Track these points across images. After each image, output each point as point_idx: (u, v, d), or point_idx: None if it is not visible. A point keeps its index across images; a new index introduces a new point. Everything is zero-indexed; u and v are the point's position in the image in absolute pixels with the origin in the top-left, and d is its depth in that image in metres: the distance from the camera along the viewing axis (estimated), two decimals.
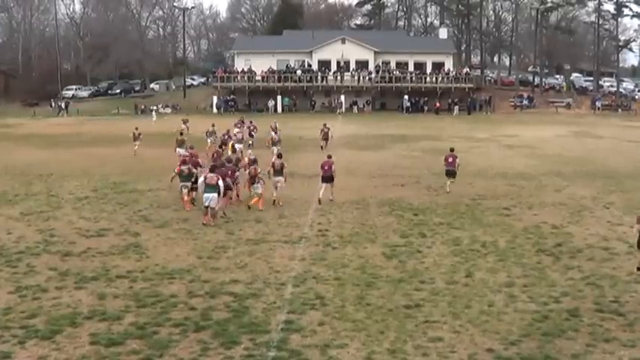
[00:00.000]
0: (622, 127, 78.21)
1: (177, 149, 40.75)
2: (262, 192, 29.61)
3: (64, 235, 24.63)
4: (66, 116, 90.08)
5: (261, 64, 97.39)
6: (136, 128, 49.20)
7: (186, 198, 29.55)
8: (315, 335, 15.51)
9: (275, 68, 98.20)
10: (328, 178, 31.30)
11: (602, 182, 37.71)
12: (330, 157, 32.76)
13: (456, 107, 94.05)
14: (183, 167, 29.85)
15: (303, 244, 23.56)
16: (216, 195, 26.13)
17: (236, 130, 48.60)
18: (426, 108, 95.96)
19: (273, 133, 46.97)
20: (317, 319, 16.46)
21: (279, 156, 32.66)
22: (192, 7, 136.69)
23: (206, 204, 26.30)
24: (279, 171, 30.66)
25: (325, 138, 50.04)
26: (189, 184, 29.49)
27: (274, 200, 29.86)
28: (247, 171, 30.55)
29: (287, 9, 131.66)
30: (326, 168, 31.47)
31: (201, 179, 27.01)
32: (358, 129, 65.85)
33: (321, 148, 47.17)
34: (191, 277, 19.66)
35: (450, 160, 34.40)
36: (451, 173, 34.12)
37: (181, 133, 46.23)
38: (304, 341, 15.19)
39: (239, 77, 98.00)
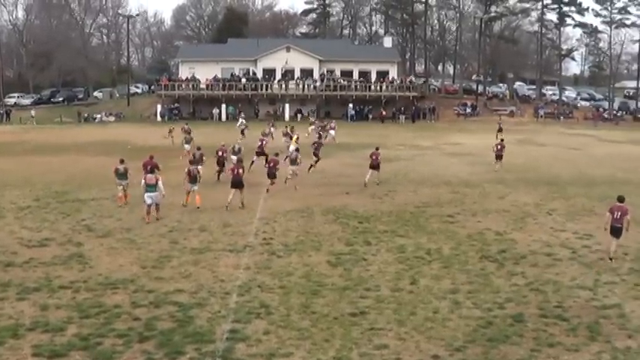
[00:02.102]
0: (564, 134, 79.24)
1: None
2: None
3: (5, 245, 24.31)
4: (8, 124, 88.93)
5: (206, 73, 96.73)
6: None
7: (120, 194, 31.71)
8: (261, 344, 15.50)
9: (220, 76, 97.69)
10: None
11: (545, 189, 38.16)
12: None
13: (402, 116, 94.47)
14: (119, 167, 31.81)
15: (247, 252, 23.50)
16: (157, 193, 28.23)
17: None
18: (370, 116, 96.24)
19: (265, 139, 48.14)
20: (262, 327, 16.44)
21: (297, 150, 40.08)
22: (137, 15, 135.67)
23: (149, 202, 28.11)
24: (294, 160, 37.46)
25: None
26: (124, 182, 31.68)
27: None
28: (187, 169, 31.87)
29: (232, 17, 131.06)
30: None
31: (142, 181, 28.77)
32: (303, 137, 65.83)
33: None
34: (135, 287, 19.50)
35: (374, 157, 38.65)
36: (375, 166, 38.55)
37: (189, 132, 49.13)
38: (249, 350, 15.17)
39: (183, 85, 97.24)
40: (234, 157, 39.19)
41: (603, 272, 21.86)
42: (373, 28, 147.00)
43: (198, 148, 38.84)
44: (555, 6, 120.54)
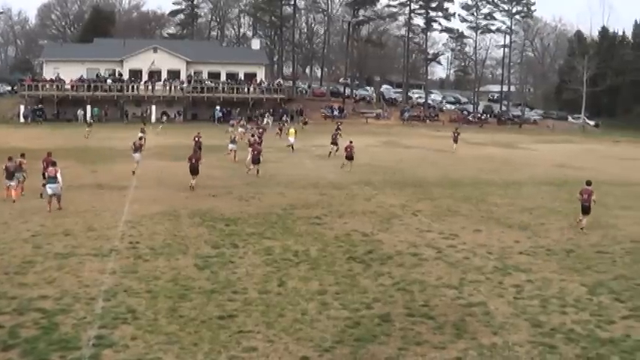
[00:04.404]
0: (430, 137, 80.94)
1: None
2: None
3: None
4: None
5: (71, 73, 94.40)
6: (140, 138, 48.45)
7: (7, 192, 32.54)
8: (128, 350, 15.29)
9: (85, 77, 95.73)
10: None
11: (410, 190, 38.91)
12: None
13: (270, 118, 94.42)
14: (9, 164, 33.11)
15: (113, 256, 23.09)
16: (57, 185, 30.38)
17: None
18: (234, 118, 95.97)
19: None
20: (129, 333, 16.21)
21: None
22: (1, 13, 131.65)
23: (50, 193, 30.29)
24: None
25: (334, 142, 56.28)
26: (12, 182, 32.76)
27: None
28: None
29: (98, 16, 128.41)
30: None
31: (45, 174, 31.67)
32: (169, 139, 65.18)
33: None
34: None
35: (349, 149, 46.66)
36: (350, 157, 46.33)
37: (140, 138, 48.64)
38: (117, 356, 14.95)
39: (47, 86, 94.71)
40: (135, 155, 42.53)
41: (468, 271, 22.44)
42: (242, 30, 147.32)
43: (49, 153, 35.60)
44: (422, 11, 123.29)
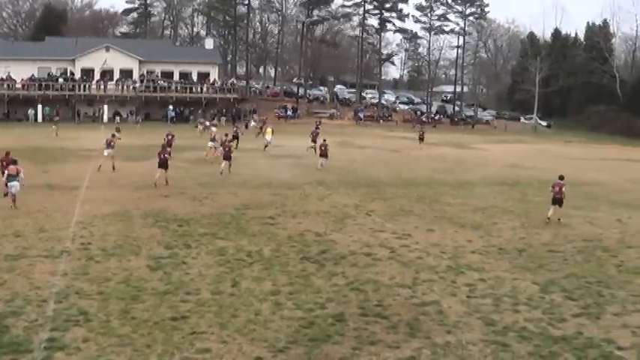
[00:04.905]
0: (383, 137, 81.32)
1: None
2: None
3: None
4: None
5: (22, 72, 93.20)
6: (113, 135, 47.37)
7: None
8: (80, 352, 15.12)
9: (36, 76, 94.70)
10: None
11: (364, 190, 39.00)
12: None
13: (223, 118, 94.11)
14: None
15: (64, 258, 22.80)
16: (17, 183, 30.81)
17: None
18: (191, 118, 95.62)
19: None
20: (81, 335, 16.03)
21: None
22: None
23: (12, 191, 30.74)
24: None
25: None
26: None
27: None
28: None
29: (50, 14, 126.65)
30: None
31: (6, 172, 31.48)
32: (122, 139, 64.64)
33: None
34: None
35: (323, 147, 48.12)
36: (324, 155, 47.91)
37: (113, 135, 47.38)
38: (69, 359, 14.79)
39: None
40: (107, 151, 43.55)
41: (422, 270, 22.52)
42: (195, 29, 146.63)
43: (7, 153, 35.20)
44: (377, 12, 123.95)
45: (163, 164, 38.90)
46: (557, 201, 31.77)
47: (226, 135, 50.95)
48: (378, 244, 26.13)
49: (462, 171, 50.75)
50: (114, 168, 43.23)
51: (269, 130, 63.37)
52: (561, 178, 32.47)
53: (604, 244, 27.61)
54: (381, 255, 24.45)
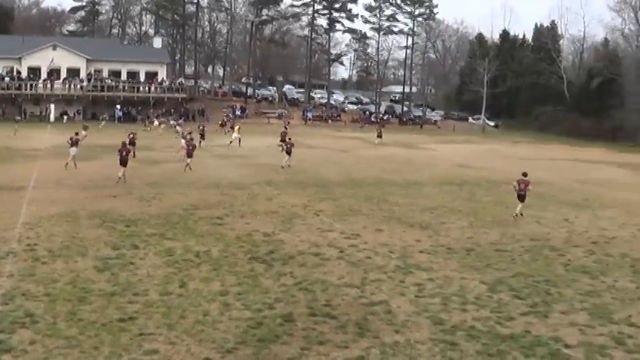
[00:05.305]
0: (332, 137, 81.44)
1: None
2: None
3: None
4: None
5: None
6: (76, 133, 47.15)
7: None
8: (27, 355, 14.92)
9: None
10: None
11: (313, 190, 39.03)
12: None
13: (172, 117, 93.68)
14: None
15: (10, 259, 22.46)
16: None
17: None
18: (139, 117, 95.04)
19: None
20: (28, 337, 15.81)
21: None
22: None
23: None
24: None
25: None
26: None
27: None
28: None
29: None
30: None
31: None
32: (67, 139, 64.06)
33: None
34: None
35: (289, 145, 49.97)
36: (289, 152, 49.22)
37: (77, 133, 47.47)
38: None
39: None
40: (72, 149, 43.97)
41: (370, 270, 22.56)
42: (143, 28, 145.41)
43: None
44: (326, 12, 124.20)
45: (124, 163, 39.78)
46: (522, 197, 33.13)
47: (190, 133, 52.15)
48: (326, 244, 26.14)
49: (410, 171, 51.03)
50: (75, 166, 43.60)
51: (236, 128, 66.23)
52: (525, 175, 33.80)
53: (551, 244, 27.93)
54: (329, 255, 24.46)
